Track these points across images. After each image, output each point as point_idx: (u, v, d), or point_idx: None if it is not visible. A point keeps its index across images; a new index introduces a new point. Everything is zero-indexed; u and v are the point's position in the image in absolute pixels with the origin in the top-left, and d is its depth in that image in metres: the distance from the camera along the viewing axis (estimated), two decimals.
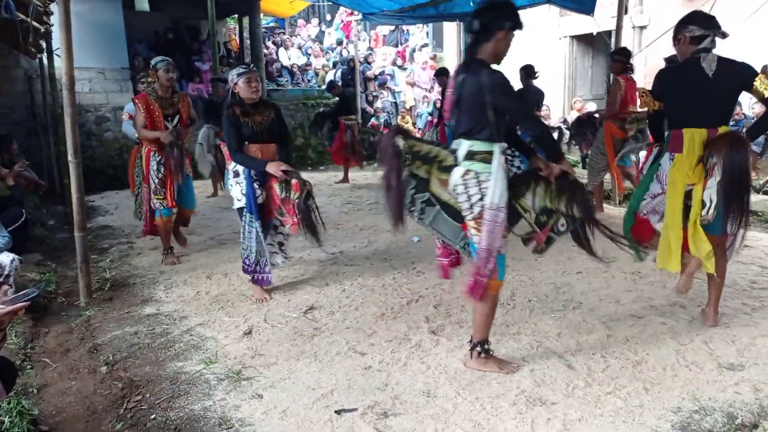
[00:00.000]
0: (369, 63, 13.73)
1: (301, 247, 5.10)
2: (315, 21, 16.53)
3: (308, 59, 13.78)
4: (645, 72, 8.66)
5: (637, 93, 4.96)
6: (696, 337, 3.12)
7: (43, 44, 7.47)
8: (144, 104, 4.51)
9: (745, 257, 4.46)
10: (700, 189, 2.99)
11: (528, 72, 6.75)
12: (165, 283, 4.31)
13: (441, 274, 3.09)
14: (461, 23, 12.81)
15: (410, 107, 13.09)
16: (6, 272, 3.70)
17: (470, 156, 2.64)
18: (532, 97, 6.82)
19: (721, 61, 3.01)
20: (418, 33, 14.90)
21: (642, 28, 9.31)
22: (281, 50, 13.34)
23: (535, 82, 6.83)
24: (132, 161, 5.01)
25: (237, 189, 3.83)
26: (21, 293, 1.94)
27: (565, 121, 9.75)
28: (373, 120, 12.52)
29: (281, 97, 11.35)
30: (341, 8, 14.12)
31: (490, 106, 2.57)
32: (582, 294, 3.81)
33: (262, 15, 12.99)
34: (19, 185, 5.96)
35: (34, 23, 5.66)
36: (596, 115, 6.41)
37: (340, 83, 11.91)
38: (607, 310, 3.55)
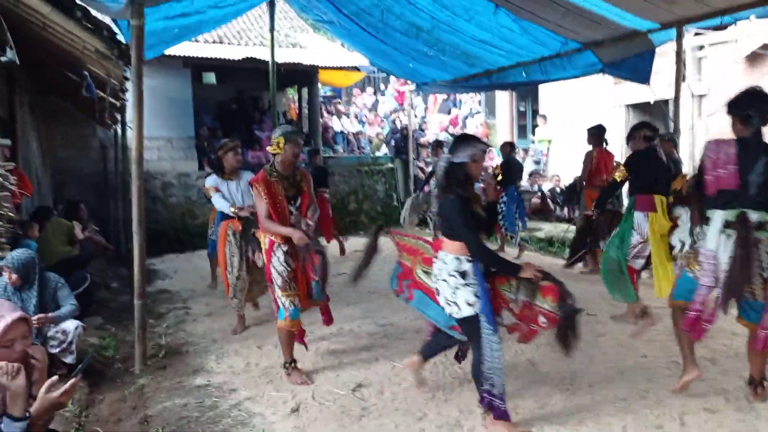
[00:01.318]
0: (423, 130, 14.02)
1: (350, 317, 5.08)
2: (370, 90, 17.15)
3: (363, 127, 14.21)
4: (707, 141, 8.42)
5: (614, 164, 6.36)
6: None
7: (118, 116, 8.06)
8: (265, 187, 3.63)
9: None
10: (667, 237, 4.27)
11: (512, 145, 8.14)
12: (216, 353, 4.34)
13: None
14: (514, 92, 13.00)
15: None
16: (69, 339, 3.83)
17: None
18: (512, 169, 7.71)
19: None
20: (470, 101, 15.18)
21: (701, 96, 9.13)
22: (334, 118, 13.83)
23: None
24: (222, 240, 4.77)
25: (466, 292, 2.90)
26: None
27: None
28: (425, 186, 12.61)
29: (336, 164, 11.66)
30: (395, 78, 14.62)
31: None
32: (649, 381, 3.56)
33: (320, 85, 13.61)
34: (90, 247, 6.28)
35: (111, 99, 6.13)
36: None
37: (394, 149, 12.25)
38: (677, 401, 3.28)
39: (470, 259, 2.92)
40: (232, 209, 4.77)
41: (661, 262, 4.30)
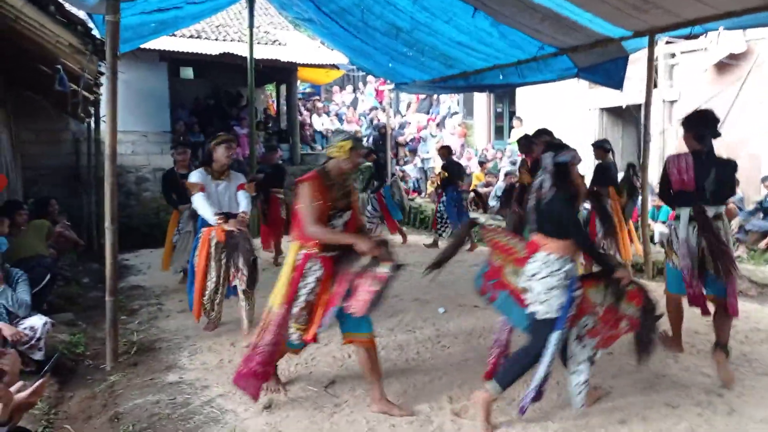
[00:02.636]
0: (402, 129, 14.08)
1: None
2: (350, 88, 17.16)
3: (342, 125, 14.22)
4: (677, 145, 8.65)
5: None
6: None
7: (92, 110, 7.93)
8: (320, 188, 3.13)
9: None
10: None
11: (449, 149, 8.67)
12: (189, 349, 4.33)
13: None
14: (491, 94, 13.14)
15: (439, 173, 13.27)
16: (38, 335, 3.79)
17: None
18: (452, 172, 8.24)
19: None
20: (449, 100, 15.29)
21: (672, 102, 9.36)
22: (314, 116, 13.82)
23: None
24: (204, 250, 4.39)
25: (561, 294, 2.92)
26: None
27: None
28: (403, 184, 12.71)
29: (314, 161, 11.65)
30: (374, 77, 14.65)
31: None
32: (613, 378, 3.67)
33: (299, 82, 13.58)
34: (59, 244, 6.18)
35: (85, 93, 6.05)
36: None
37: (372, 148, 12.28)
38: (640, 397, 3.39)
39: (573, 259, 2.99)
40: (217, 218, 4.31)
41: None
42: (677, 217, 3.81)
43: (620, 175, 6.64)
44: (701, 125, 3.73)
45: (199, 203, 4.37)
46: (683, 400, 3.33)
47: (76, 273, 6.89)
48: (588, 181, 5.13)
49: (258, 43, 11.09)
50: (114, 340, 4.04)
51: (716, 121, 3.77)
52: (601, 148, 6.57)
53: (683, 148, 3.86)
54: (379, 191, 8.61)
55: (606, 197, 6.14)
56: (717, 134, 3.71)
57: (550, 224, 2.99)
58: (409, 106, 15.76)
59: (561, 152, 3.02)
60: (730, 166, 3.72)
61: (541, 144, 4.92)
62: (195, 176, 4.50)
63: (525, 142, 6.27)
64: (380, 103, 15.17)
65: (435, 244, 8.42)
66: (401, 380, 3.67)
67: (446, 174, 8.24)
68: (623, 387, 3.52)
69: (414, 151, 13.56)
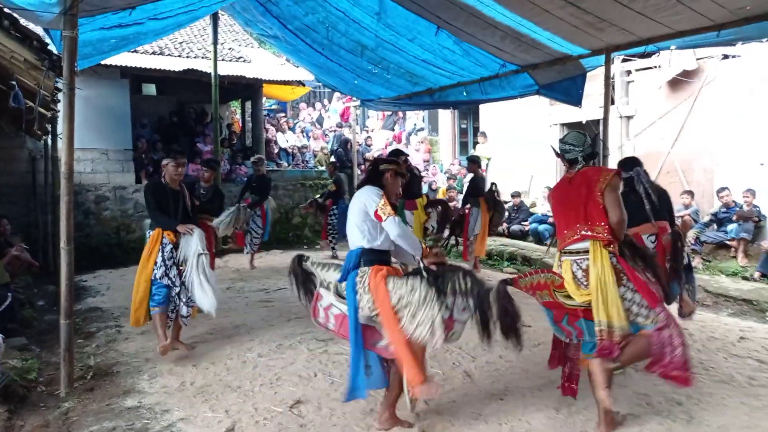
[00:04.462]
0: (369, 145, 14.13)
1: (290, 334, 5.04)
2: (318, 105, 17.16)
3: (308, 141, 14.19)
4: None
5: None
6: None
7: (49, 127, 7.72)
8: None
9: (741, 350, 4.40)
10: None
11: (335, 165, 9.70)
12: (149, 372, 4.20)
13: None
14: (455, 110, 13.34)
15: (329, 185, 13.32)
16: None
17: None
18: (341, 187, 8.82)
19: None
20: (414, 117, 15.45)
21: (629, 117, 9.67)
22: (279, 134, 13.74)
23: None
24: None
25: None
26: None
27: None
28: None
29: (280, 178, 11.57)
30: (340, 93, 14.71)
31: None
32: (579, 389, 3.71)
33: (264, 99, 13.51)
34: (12, 266, 5.95)
35: (41, 110, 5.88)
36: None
37: (337, 163, 12.30)
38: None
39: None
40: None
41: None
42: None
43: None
44: (629, 167, 4.08)
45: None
46: (644, 410, 3.39)
47: (31, 295, 6.64)
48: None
49: (222, 59, 11.01)
50: (69, 365, 3.89)
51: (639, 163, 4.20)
52: (475, 162, 7.75)
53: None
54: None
55: (478, 207, 7.52)
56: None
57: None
58: (370, 129, 15.86)
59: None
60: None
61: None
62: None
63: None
64: (345, 120, 15.22)
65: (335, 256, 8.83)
66: (368, 398, 3.62)
67: (334, 187, 8.78)
68: (586, 398, 3.56)
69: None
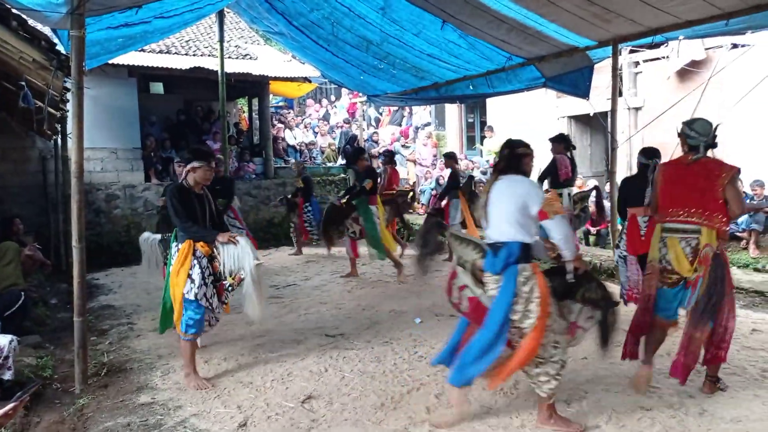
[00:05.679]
0: (375, 141, 14.12)
1: (300, 329, 5.07)
2: (325, 102, 17.17)
3: (315, 137, 14.20)
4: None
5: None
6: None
7: (58, 127, 7.78)
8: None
9: (754, 342, 4.37)
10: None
11: (303, 165, 9.83)
12: (162, 369, 4.24)
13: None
14: (462, 104, 13.29)
15: (413, 183, 13.34)
16: (5, 353, 3.66)
17: None
18: (310, 185, 9.06)
19: None
20: (421, 112, 15.41)
21: (637, 109, 9.60)
22: (287, 131, 13.77)
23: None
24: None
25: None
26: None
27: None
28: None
29: (288, 174, 11.60)
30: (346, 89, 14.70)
31: None
32: (588, 382, 3.71)
33: (271, 96, 13.52)
34: (25, 265, 6.00)
35: (50, 110, 5.92)
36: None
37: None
38: (614, 400, 3.43)
39: None
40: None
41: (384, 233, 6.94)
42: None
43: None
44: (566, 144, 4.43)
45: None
46: (656, 403, 3.38)
47: (44, 294, 6.71)
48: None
49: (229, 57, 11.03)
50: (83, 362, 3.93)
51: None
52: (452, 158, 8.07)
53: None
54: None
55: (458, 198, 7.69)
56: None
57: None
58: (379, 121, 15.85)
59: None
60: None
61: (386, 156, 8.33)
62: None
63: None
64: (351, 116, 15.21)
65: (300, 251, 9.19)
66: (379, 393, 3.64)
67: (302, 184, 8.98)
68: (597, 391, 3.56)
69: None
